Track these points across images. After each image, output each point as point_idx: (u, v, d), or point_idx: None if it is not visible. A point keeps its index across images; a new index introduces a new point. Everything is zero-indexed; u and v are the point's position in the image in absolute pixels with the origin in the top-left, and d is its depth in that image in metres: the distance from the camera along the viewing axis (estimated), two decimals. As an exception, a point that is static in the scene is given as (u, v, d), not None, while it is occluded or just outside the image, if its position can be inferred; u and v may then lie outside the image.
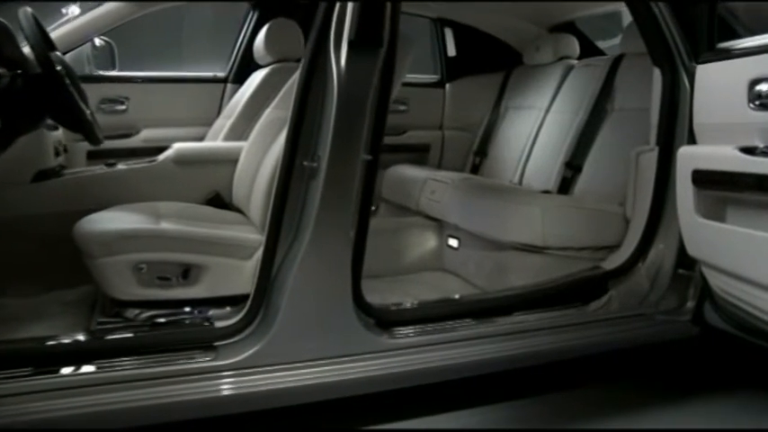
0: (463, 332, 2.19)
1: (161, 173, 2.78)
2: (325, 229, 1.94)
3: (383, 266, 2.99)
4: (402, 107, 3.98)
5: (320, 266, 1.96)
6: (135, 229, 2.12)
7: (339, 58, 1.92)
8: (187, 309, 2.12)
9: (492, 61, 4.07)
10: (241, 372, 1.92)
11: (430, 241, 3.19)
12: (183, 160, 2.80)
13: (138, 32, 4.60)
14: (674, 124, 2.34)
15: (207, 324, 2.03)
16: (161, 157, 2.84)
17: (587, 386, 2.35)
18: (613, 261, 2.45)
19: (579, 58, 3.65)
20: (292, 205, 1.99)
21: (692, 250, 2.16)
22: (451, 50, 4.14)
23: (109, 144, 3.34)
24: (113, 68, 3.57)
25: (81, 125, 2.15)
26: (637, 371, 2.50)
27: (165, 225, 2.27)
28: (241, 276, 2.14)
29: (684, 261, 2.35)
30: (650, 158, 2.41)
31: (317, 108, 1.96)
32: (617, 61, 3.16)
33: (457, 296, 2.52)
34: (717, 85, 2.08)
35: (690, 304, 2.42)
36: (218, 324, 2.00)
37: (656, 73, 2.41)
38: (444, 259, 3.16)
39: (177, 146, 2.84)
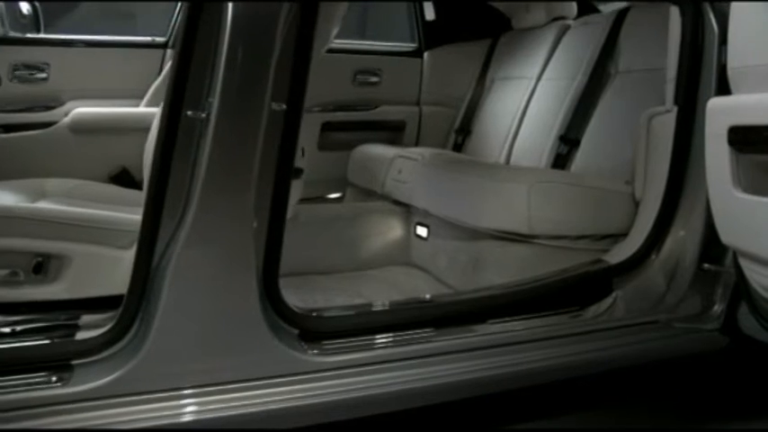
0: (421, 346, 1.83)
1: (55, 143, 2.41)
2: (215, 205, 1.53)
3: (337, 261, 2.72)
4: (373, 79, 3.68)
5: (210, 257, 1.54)
6: None
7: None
8: (39, 315, 1.69)
9: (476, 26, 3.78)
10: (102, 402, 1.49)
11: (395, 230, 2.88)
12: (81, 128, 2.42)
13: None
14: (698, 76, 2.09)
15: (63, 336, 1.59)
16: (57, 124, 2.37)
17: (585, 413, 2.10)
18: (619, 253, 2.18)
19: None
20: (179, 172, 1.55)
21: (726, 236, 1.79)
22: (430, 14, 3.79)
23: (24, 117, 3.00)
24: (38, 31, 3.15)
25: None
26: (649, 393, 2.22)
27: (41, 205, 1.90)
28: (118, 271, 1.71)
29: (711, 252, 2.09)
30: (667, 122, 2.15)
31: (210, 38, 1.53)
32: (621, 15, 2.90)
33: (419, 297, 2.20)
34: (763, 13, 1.66)
35: (717, 308, 2.15)
36: (79, 336, 1.57)
37: (674, 14, 2.17)
38: (411, 252, 2.85)
39: (76, 111, 2.40)
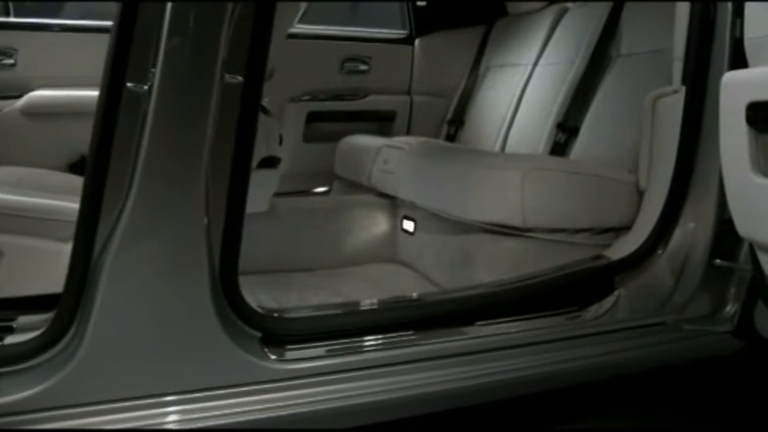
0: (402, 351, 1.68)
1: (7, 129, 2.21)
2: (159, 192, 1.37)
3: (317, 257, 2.60)
4: (362, 67, 3.63)
5: (154, 252, 1.38)
6: None
7: None
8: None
9: (470, 12, 3.76)
10: (29, 417, 1.34)
11: (380, 224, 2.77)
12: (35, 112, 2.30)
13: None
14: (709, 52, 1.97)
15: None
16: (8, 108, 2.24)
17: (584, 423, 2.00)
18: (622, 248, 2.09)
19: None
20: (121, 155, 1.39)
21: (743, 227, 1.64)
22: (421, -1, 3.82)
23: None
24: (6, 15, 3.11)
25: None
26: (654, 401, 2.11)
27: None
28: (59, 266, 1.52)
29: (724, 246, 2.00)
30: (674, 103, 2.02)
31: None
32: (623, -5, 2.84)
33: (403, 296, 2.09)
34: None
35: (731, 308, 2.05)
36: (9, 341, 1.43)
37: None
38: (398, 247, 2.75)
39: (30, 94, 2.29)
